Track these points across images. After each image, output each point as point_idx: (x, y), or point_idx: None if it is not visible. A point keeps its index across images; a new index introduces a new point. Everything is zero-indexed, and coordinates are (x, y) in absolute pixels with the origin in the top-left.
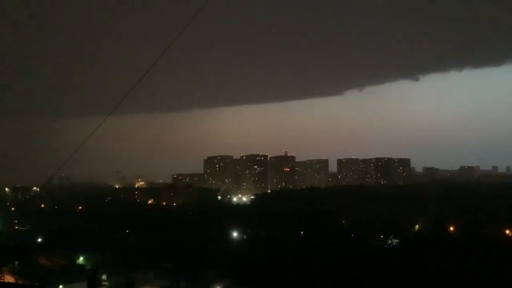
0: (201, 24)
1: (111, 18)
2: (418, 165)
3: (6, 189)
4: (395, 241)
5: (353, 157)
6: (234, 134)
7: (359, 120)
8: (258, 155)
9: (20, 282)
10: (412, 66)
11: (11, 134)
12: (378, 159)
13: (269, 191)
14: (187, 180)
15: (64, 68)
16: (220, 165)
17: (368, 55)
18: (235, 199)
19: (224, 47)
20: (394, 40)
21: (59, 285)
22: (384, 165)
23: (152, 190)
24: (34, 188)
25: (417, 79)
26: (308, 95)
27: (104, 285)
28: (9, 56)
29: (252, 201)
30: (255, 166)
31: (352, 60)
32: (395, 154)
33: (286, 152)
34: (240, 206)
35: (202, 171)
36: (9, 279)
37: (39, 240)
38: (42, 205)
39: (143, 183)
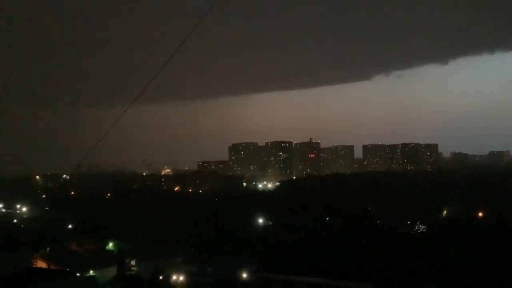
0: (226, 11)
1: (141, 10)
2: (446, 150)
3: (37, 177)
4: (422, 227)
5: (379, 143)
6: (259, 121)
7: (386, 105)
8: (283, 142)
9: (52, 267)
10: (441, 50)
11: (43, 123)
12: (404, 145)
13: (294, 177)
14: (213, 167)
15: (97, 58)
16: (245, 152)
17: (396, 39)
18: (260, 186)
19: (250, 34)
20: (423, 22)
21: (89, 270)
22: (411, 150)
23: (178, 177)
24: (64, 176)
25: (446, 63)
26: (335, 81)
27: (132, 270)
28: (45, 49)
29: (277, 188)
30: (280, 152)
31: (380, 45)
32: (423, 139)
33: (311, 138)
34: (265, 193)
35: (227, 158)
36: (41, 264)
37: (70, 226)
38: (72, 193)
39: (169, 170)
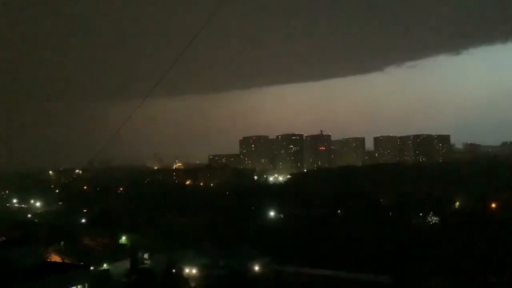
0: (237, 3)
1: (151, 4)
2: (458, 141)
3: (50, 172)
4: (434, 219)
5: (391, 135)
6: (270, 114)
7: (398, 96)
8: (293, 135)
9: (66, 261)
10: (453, 40)
11: (55, 118)
12: (416, 136)
13: (305, 170)
14: (223, 161)
15: (108, 53)
16: (256, 145)
17: (407, 29)
18: (271, 179)
19: (261, 27)
20: (434, 12)
21: (103, 264)
22: (423, 142)
23: (189, 171)
24: (77, 170)
25: (458, 53)
26: (346, 72)
27: (145, 263)
28: (55, 44)
29: (288, 180)
30: (291, 145)
31: (392, 35)
32: (435, 131)
33: (321, 131)
34: (276, 186)
35: (238, 152)
36: (55, 258)
37: (83, 221)
38: (85, 187)
39: (180, 164)
